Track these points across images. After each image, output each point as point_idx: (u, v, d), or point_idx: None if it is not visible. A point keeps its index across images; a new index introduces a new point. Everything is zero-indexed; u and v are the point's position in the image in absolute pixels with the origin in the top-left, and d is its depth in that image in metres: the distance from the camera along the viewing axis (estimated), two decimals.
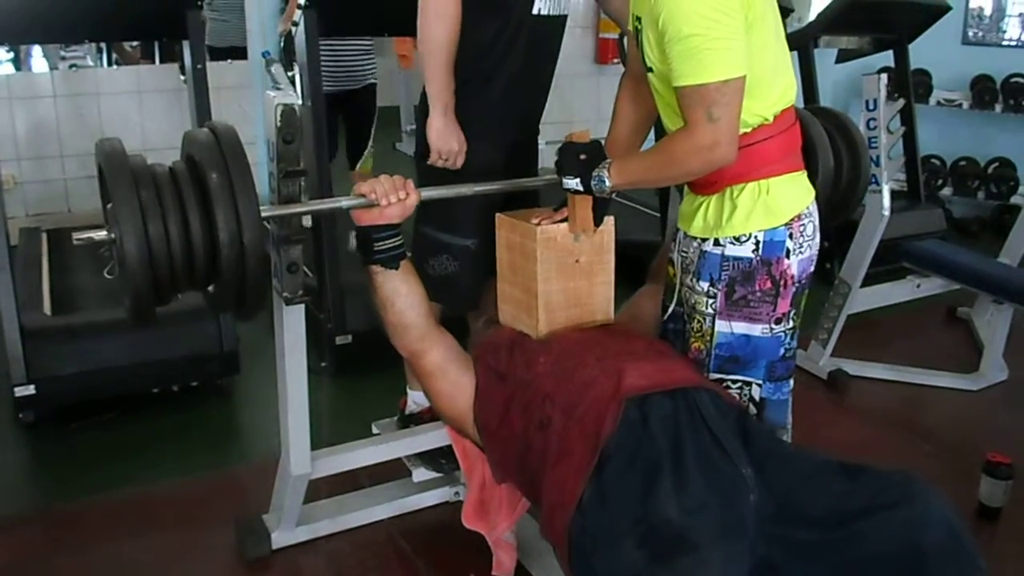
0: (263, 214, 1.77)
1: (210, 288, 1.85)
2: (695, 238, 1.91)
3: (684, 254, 1.95)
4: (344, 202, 1.95)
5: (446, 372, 2.02)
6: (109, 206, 1.69)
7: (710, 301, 1.90)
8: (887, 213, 3.45)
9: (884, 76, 3.45)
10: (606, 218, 2.01)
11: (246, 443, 3.15)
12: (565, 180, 1.92)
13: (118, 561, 2.43)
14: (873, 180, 3.38)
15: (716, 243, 1.87)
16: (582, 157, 1.89)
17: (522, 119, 2.37)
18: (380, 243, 1.92)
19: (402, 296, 1.97)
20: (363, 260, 1.95)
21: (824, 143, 2.39)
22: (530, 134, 2.46)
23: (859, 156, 2.52)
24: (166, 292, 1.76)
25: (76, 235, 1.72)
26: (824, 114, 2.57)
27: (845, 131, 2.53)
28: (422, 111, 2.35)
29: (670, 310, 2.06)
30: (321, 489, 2.53)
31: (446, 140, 2.20)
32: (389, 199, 1.88)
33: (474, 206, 2.14)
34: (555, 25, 2.28)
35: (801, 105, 4.47)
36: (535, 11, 2.19)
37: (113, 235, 1.69)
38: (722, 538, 1.55)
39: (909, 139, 4.82)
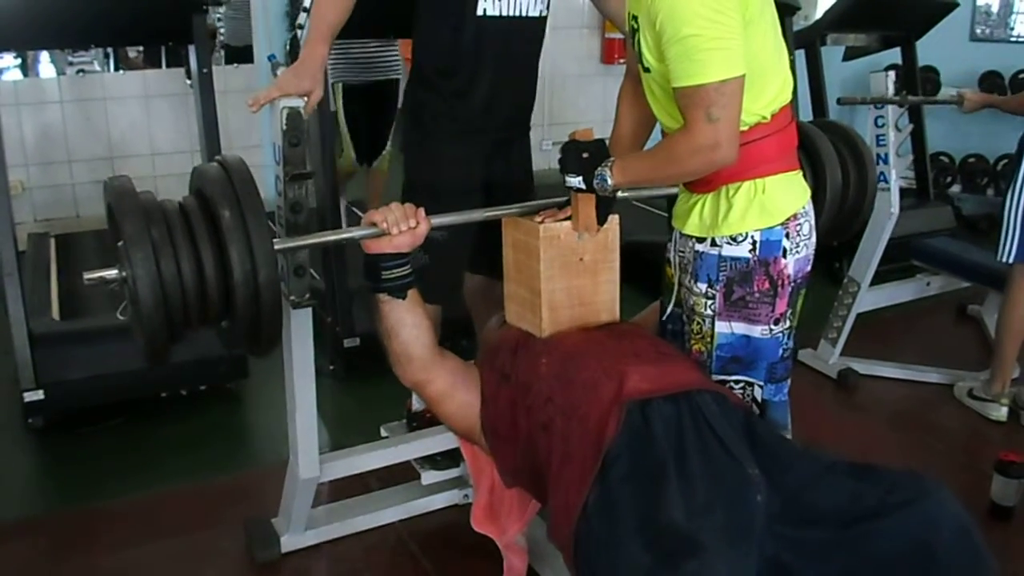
0: (276, 246, 1.76)
1: (223, 324, 1.85)
2: (691, 237, 1.90)
3: (681, 254, 1.95)
4: (355, 232, 1.94)
5: (452, 396, 2.03)
6: (120, 244, 1.68)
7: (709, 302, 1.89)
8: (896, 211, 3.43)
9: (892, 73, 3.44)
10: (611, 217, 2.00)
11: (255, 447, 3.15)
12: (568, 178, 1.92)
13: (127, 565, 2.43)
14: (882, 178, 3.37)
15: (713, 243, 1.86)
16: (585, 155, 1.89)
17: (498, 120, 2.38)
18: (388, 272, 1.91)
19: (407, 326, 1.96)
20: (370, 288, 1.95)
21: (833, 160, 2.38)
22: (512, 134, 2.47)
23: (866, 171, 2.50)
24: (179, 331, 1.76)
25: (87, 275, 1.70)
26: (832, 128, 2.56)
27: (854, 147, 2.52)
28: (408, 121, 2.41)
29: (668, 310, 2.05)
30: (330, 492, 2.53)
31: (289, 80, 2.07)
32: (400, 228, 1.87)
33: (445, 200, 2.15)
34: (517, 26, 2.28)
35: (807, 103, 4.50)
36: (479, 12, 2.21)
37: (124, 274, 1.68)
38: (729, 539, 1.54)
39: (917, 136, 4.80)
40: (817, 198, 2.04)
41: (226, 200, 1.71)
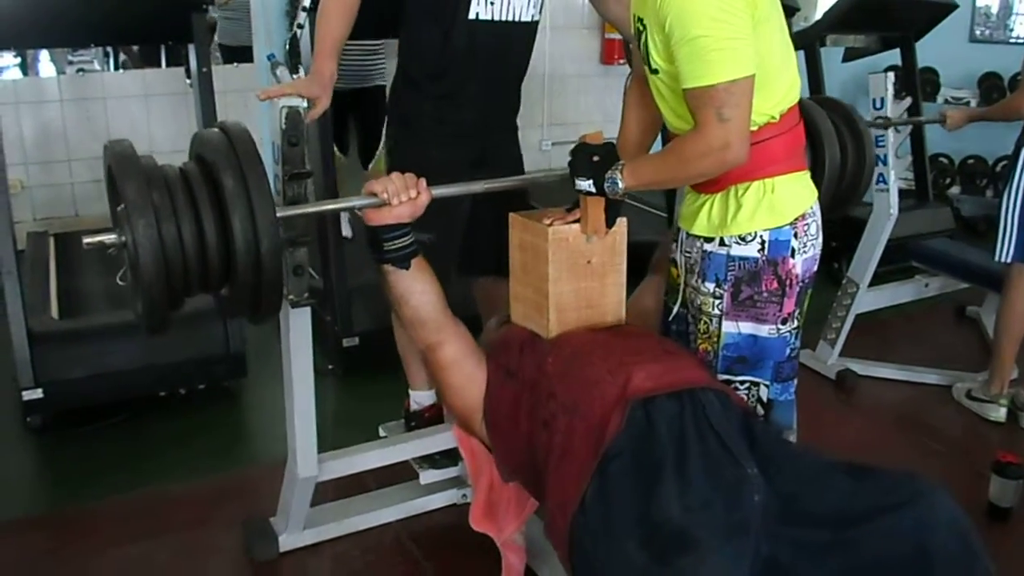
0: (278, 214, 1.75)
1: (222, 292, 1.84)
2: (698, 238, 1.90)
3: (688, 254, 1.95)
4: (355, 202, 1.95)
5: (461, 366, 2.02)
6: (120, 208, 1.66)
7: (716, 302, 1.89)
8: (895, 212, 3.44)
9: (891, 74, 3.44)
10: (619, 219, 2.00)
11: (253, 446, 3.15)
12: (578, 181, 1.91)
13: (126, 564, 2.43)
14: (881, 179, 3.37)
15: (721, 243, 1.86)
16: (595, 159, 1.88)
17: (486, 123, 2.41)
18: (390, 242, 1.91)
19: (416, 294, 1.97)
20: (374, 259, 1.95)
21: (831, 135, 2.40)
22: (499, 137, 2.49)
23: (864, 147, 2.53)
24: (179, 297, 1.75)
25: (86, 239, 1.69)
26: (830, 105, 2.57)
27: (851, 123, 2.53)
28: (395, 123, 2.46)
29: (674, 311, 2.05)
30: (328, 492, 2.52)
31: (302, 84, 2.17)
32: (400, 198, 1.88)
33: (433, 202, 2.16)
34: (508, 30, 2.30)
35: None
36: (471, 15, 2.23)
37: (124, 238, 1.66)
38: (724, 537, 1.54)
39: (916, 138, 4.80)
40: (815, 173, 2.05)
41: (228, 166, 1.69)
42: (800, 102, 1.95)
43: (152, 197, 1.63)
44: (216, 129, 1.79)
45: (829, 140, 2.38)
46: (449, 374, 2.04)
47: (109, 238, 1.69)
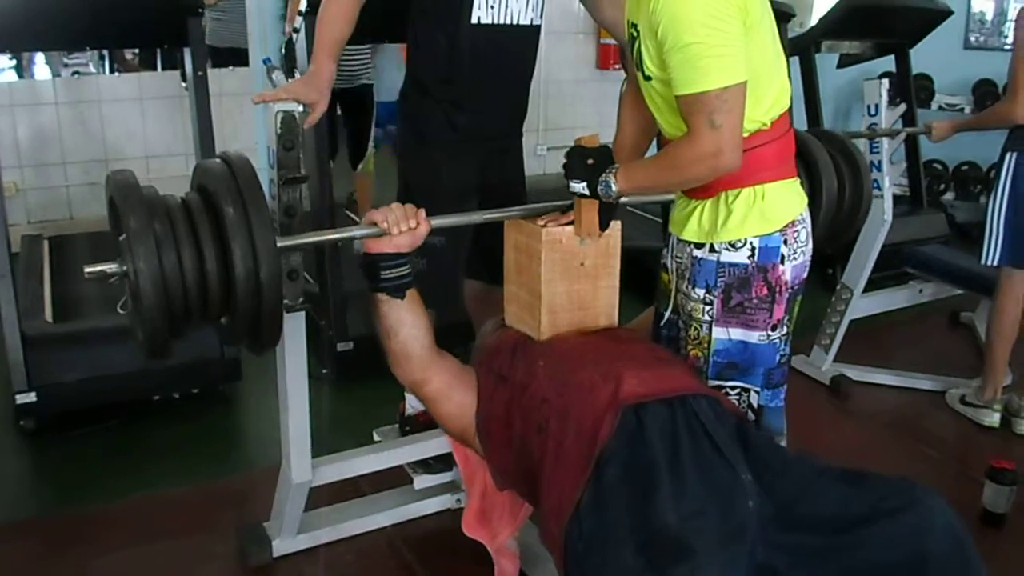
0: (278, 244, 1.76)
1: (223, 320, 1.84)
2: (689, 243, 1.91)
3: (678, 260, 1.95)
4: (356, 231, 1.95)
5: (449, 397, 2.02)
6: (122, 238, 1.67)
7: (707, 308, 1.89)
8: (889, 218, 3.45)
9: (886, 81, 3.45)
10: (613, 223, 2.00)
11: (247, 450, 3.14)
12: (572, 184, 1.92)
13: (119, 569, 2.43)
14: (875, 185, 3.38)
15: (711, 249, 1.87)
16: (589, 162, 1.89)
17: (494, 127, 2.41)
18: (387, 271, 1.91)
19: (406, 326, 1.96)
20: (370, 288, 1.95)
21: (829, 168, 2.41)
22: (507, 141, 2.50)
23: (861, 180, 2.53)
24: (180, 327, 1.75)
25: (87, 268, 1.70)
26: (828, 138, 2.59)
27: (849, 156, 2.55)
28: (405, 128, 2.43)
29: (665, 317, 2.05)
30: (322, 496, 2.52)
31: (298, 88, 2.15)
32: (400, 228, 1.88)
33: (442, 204, 2.15)
34: (509, 34, 2.31)
35: (802, 111, 4.51)
36: (474, 20, 2.24)
37: (126, 268, 1.68)
38: (719, 544, 1.54)
39: (911, 144, 4.82)
40: (813, 206, 2.05)
41: (229, 196, 1.70)
42: (798, 134, 1.96)
43: (154, 228, 1.65)
44: (218, 160, 1.81)
45: (827, 172, 2.39)
46: (438, 406, 2.05)
47: (111, 267, 1.70)
